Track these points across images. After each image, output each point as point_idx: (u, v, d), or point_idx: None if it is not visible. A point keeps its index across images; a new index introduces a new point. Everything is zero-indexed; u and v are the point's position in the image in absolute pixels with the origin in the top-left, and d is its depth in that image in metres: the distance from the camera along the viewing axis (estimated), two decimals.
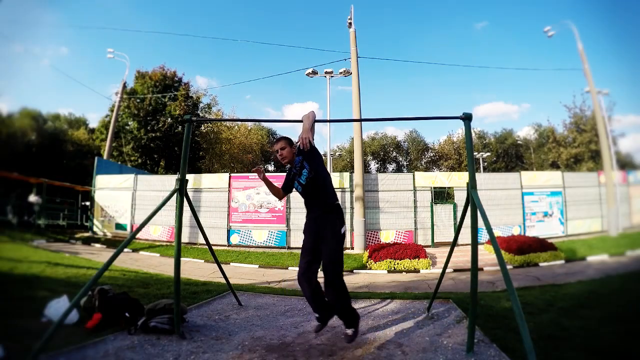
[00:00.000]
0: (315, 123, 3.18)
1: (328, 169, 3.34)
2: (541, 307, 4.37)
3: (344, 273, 3.19)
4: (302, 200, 3.36)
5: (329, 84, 16.34)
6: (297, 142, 3.28)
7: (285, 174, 3.57)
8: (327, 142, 17.05)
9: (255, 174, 3.42)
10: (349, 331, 3.08)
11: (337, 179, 13.20)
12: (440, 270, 4.48)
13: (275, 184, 3.51)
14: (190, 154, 22.41)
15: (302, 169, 3.22)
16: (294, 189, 3.42)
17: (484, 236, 11.37)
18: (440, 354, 2.82)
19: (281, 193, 3.51)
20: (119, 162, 21.96)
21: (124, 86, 21.90)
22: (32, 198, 15.91)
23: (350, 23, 14.26)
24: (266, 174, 3.53)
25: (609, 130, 16.24)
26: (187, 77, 32.56)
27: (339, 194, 12.70)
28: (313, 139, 3.10)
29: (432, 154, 40.56)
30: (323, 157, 3.55)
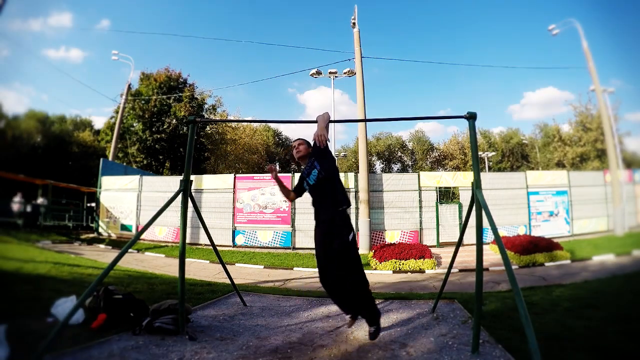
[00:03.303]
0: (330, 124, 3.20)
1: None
2: (546, 307, 4.33)
3: None
4: (306, 201, 3.37)
5: (333, 84, 16.33)
6: (312, 140, 3.26)
7: (287, 174, 3.59)
8: (333, 142, 17.05)
9: (268, 174, 3.46)
10: (371, 329, 3.13)
11: (342, 179, 13.17)
12: (445, 271, 4.46)
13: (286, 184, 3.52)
14: (195, 155, 22.49)
15: (312, 169, 3.21)
16: (304, 192, 3.44)
17: (489, 236, 11.32)
18: (445, 355, 2.80)
19: (292, 195, 3.54)
20: (124, 164, 22.08)
21: (129, 88, 22.05)
22: (38, 199, 16.08)
23: (354, 23, 14.26)
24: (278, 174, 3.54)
25: (614, 128, 16.11)
26: (191, 79, 32.72)
27: None
28: (328, 139, 3.10)
29: (437, 154, 40.38)
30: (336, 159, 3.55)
